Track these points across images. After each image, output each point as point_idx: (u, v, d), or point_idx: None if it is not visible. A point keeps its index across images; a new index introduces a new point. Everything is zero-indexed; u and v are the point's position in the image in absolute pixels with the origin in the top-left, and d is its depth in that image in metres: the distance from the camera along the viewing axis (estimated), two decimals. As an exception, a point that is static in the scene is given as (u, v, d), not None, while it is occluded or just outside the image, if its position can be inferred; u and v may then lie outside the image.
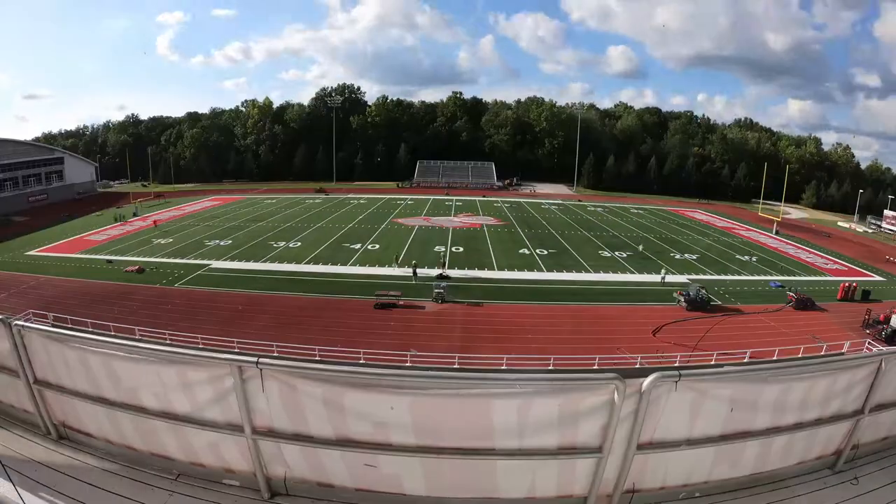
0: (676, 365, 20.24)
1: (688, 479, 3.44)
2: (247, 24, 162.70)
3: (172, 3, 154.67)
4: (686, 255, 43.53)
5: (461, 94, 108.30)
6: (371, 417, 3.08)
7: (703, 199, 79.46)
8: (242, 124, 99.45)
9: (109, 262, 37.08)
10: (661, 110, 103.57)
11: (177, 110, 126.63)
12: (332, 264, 37.22)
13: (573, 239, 48.42)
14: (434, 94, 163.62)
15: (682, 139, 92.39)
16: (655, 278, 35.91)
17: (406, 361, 21.55)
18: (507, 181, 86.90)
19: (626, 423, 3.05)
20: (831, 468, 3.73)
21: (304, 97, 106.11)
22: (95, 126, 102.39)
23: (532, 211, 65.47)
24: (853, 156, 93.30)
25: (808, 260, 43.57)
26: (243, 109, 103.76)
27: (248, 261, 38.01)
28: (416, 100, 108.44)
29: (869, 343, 23.86)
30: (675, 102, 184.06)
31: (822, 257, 45.27)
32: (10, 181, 64.04)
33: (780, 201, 58.35)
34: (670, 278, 36.25)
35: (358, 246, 42.97)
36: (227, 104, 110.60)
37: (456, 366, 20.96)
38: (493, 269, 37.10)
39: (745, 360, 21.84)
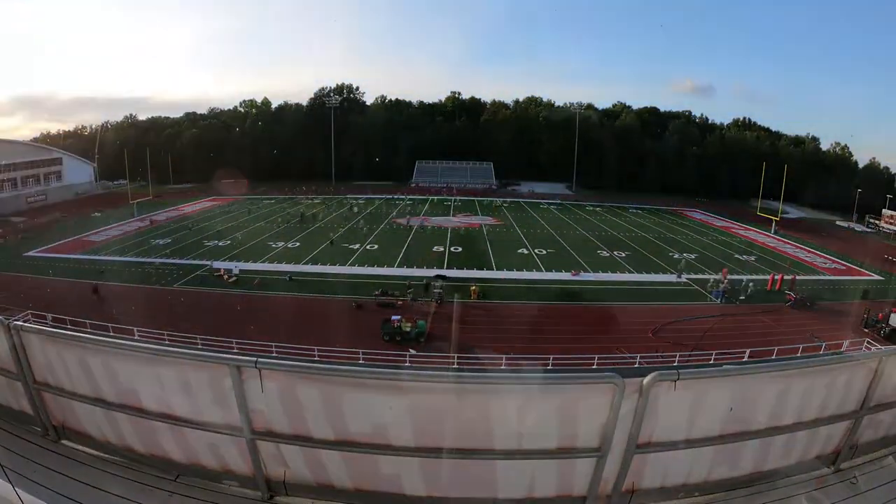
0: (675, 364, 20.30)
1: (687, 478, 3.44)
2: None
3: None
4: (685, 254, 43.58)
5: (460, 94, 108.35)
6: (370, 418, 3.08)
7: (702, 199, 79.50)
8: (241, 124, 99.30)
9: None
10: (659, 110, 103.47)
11: (176, 110, 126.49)
12: (330, 264, 37.21)
13: (572, 239, 48.46)
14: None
15: (681, 139, 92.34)
16: (655, 278, 35.97)
17: (405, 361, 21.57)
18: (501, 185, 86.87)
19: (625, 423, 3.05)
20: (830, 467, 3.74)
21: (304, 97, 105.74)
22: (94, 126, 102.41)
23: (531, 211, 65.51)
24: (851, 155, 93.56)
25: (807, 259, 43.64)
26: (241, 110, 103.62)
27: (247, 261, 37.99)
28: (414, 100, 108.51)
29: (868, 342, 23.91)
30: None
31: (821, 257, 45.36)
32: (8, 182, 63.89)
33: (779, 200, 58.41)
34: (663, 277, 36.34)
35: (357, 246, 42.97)
36: (227, 104, 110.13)
37: (455, 366, 20.99)
38: (492, 269, 37.11)
39: (744, 360, 21.90)
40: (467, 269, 36.76)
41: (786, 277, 35.19)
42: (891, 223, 63.26)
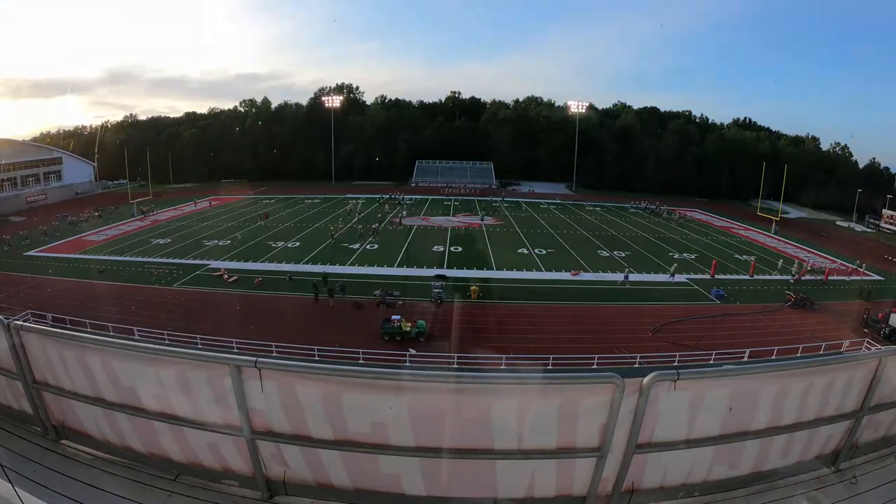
0: (675, 364, 20.31)
1: (686, 478, 3.44)
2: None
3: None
4: (685, 254, 43.57)
5: (459, 93, 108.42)
6: (370, 417, 3.08)
7: (702, 199, 79.50)
8: (241, 124, 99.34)
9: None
10: (659, 109, 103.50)
11: (176, 110, 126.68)
12: (330, 264, 37.19)
13: (572, 238, 48.46)
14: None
15: (681, 139, 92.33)
16: (655, 278, 36.00)
17: (405, 361, 21.58)
18: (501, 185, 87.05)
19: (624, 423, 3.05)
20: (830, 467, 3.74)
21: (303, 97, 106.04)
22: (94, 126, 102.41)
23: (531, 211, 65.49)
24: (851, 155, 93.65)
25: (807, 260, 43.60)
26: (242, 109, 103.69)
27: (246, 261, 37.98)
28: (414, 100, 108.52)
29: (868, 342, 23.92)
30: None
31: (821, 257, 45.33)
32: (8, 181, 63.86)
33: (779, 200, 58.46)
34: (663, 277, 36.35)
35: (357, 246, 42.97)
36: (226, 104, 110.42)
37: (455, 366, 21.00)
38: (492, 269, 37.10)
39: (744, 360, 21.92)
40: (467, 269, 36.75)
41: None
42: (891, 223, 63.26)
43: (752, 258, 41.89)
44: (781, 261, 41.03)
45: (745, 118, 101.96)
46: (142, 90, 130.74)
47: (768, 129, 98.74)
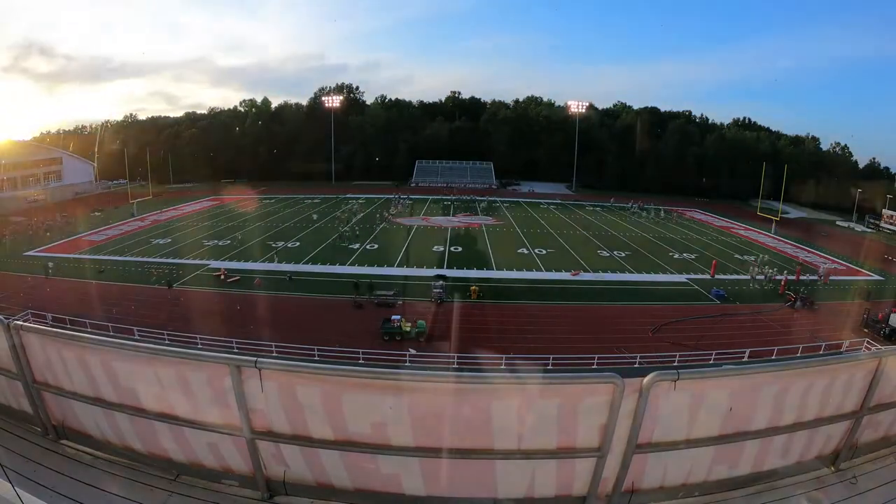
0: (675, 364, 20.31)
1: (687, 478, 3.44)
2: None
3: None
4: (685, 254, 43.58)
5: (459, 93, 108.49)
6: (370, 417, 3.08)
7: (702, 199, 79.50)
8: (241, 124, 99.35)
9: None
10: (659, 110, 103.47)
11: (175, 110, 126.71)
12: (330, 264, 37.18)
13: (572, 238, 48.46)
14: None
15: (681, 139, 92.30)
16: (655, 278, 35.99)
17: (405, 361, 21.58)
18: (501, 185, 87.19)
19: (624, 423, 3.04)
20: (830, 467, 3.73)
21: (303, 97, 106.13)
22: (94, 126, 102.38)
23: (531, 211, 65.49)
24: (851, 155, 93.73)
25: (806, 259, 43.62)
26: (242, 109, 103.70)
27: (246, 261, 37.98)
28: (414, 100, 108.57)
29: (868, 342, 23.91)
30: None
31: (821, 257, 45.33)
32: (8, 181, 63.82)
33: (779, 200, 58.48)
34: (663, 277, 36.33)
35: (356, 246, 42.97)
36: (226, 104, 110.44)
37: (455, 366, 21.00)
38: (492, 269, 37.10)
39: (744, 360, 21.92)
40: (467, 269, 36.75)
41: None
42: (891, 223, 63.25)
43: (753, 258, 41.92)
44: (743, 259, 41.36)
45: (745, 118, 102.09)
46: (207, 80, 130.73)
47: (768, 129, 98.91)
